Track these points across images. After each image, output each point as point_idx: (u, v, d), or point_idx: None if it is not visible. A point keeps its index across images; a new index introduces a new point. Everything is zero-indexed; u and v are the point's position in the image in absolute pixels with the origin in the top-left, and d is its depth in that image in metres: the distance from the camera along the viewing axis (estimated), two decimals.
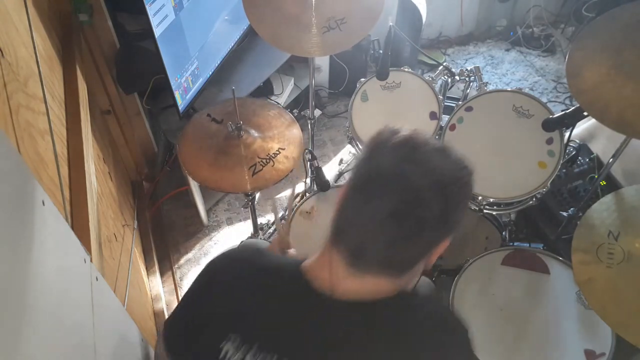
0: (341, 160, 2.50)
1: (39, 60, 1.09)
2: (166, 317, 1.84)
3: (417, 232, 0.71)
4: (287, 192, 2.38)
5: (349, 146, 2.15)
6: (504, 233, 1.80)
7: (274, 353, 0.75)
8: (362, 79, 1.78)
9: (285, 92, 2.44)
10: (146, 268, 2.00)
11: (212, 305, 0.84)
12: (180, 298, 1.99)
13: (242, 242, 1.79)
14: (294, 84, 2.51)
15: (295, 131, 1.58)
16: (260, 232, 1.97)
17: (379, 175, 0.73)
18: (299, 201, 1.74)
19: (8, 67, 0.89)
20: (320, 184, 1.72)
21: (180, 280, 2.09)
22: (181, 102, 1.82)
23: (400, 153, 0.73)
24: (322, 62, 2.64)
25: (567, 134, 1.54)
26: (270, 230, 2.08)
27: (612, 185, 1.74)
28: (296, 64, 2.56)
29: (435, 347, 0.78)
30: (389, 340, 0.75)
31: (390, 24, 1.61)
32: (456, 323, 0.82)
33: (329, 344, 0.76)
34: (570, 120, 1.44)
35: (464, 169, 0.75)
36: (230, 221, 2.30)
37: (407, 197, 0.70)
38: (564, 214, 1.72)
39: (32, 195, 0.69)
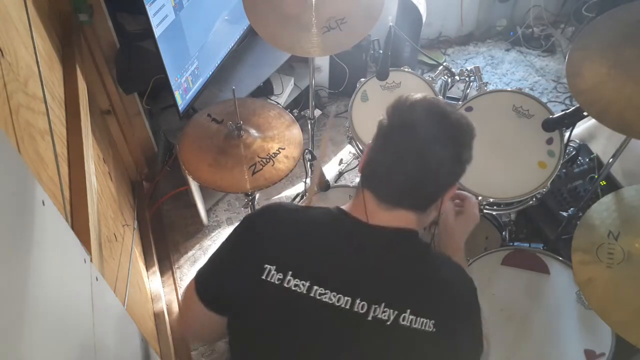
0: (341, 160, 2.50)
1: (39, 60, 1.09)
2: (166, 317, 1.85)
3: (436, 169, 0.87)
4: (287, 192, 2.39)
5: (349, 146, 2.15)
6: (504, 233, 1.80)
7: (306, 280, 0.84)
8: (362, 79, 1.78)
9: (285, 92, 2.44)
10: (146, 268, 2.00)
11: (251, 246, 0.91)
12: (180, 297, 1.99)
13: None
14: (294, 84, 2.51)
15: (295, 131, 1.58)
16: None
17: (402, 125, 0.88)
18: (299, 201, 1.73)
19: (8, 67, 0.88)
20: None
21: (180, 280, 2.09)
22: (181, 102, 1.82)
23: (418, 106, 0.88)
24: (322, 62, 2.64)
25: (567, 134, 1.54)
26: None
27: (612, 185, 1.74)
28: (296, 64, 2.56)
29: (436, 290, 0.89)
30: (405, 265, 0.89)
31: (390, 24, 1.61)
32: (462, 282, 0.93)
33: (359, 267, 0.87)
34: (570, 120, 1.44)
35: (468, 118, 0.91)
36: (230, 221, 2.30)
37: (428, 139, 0.85)
38: (564, 214, 1.71)
39: (32, 195, 0.69)
